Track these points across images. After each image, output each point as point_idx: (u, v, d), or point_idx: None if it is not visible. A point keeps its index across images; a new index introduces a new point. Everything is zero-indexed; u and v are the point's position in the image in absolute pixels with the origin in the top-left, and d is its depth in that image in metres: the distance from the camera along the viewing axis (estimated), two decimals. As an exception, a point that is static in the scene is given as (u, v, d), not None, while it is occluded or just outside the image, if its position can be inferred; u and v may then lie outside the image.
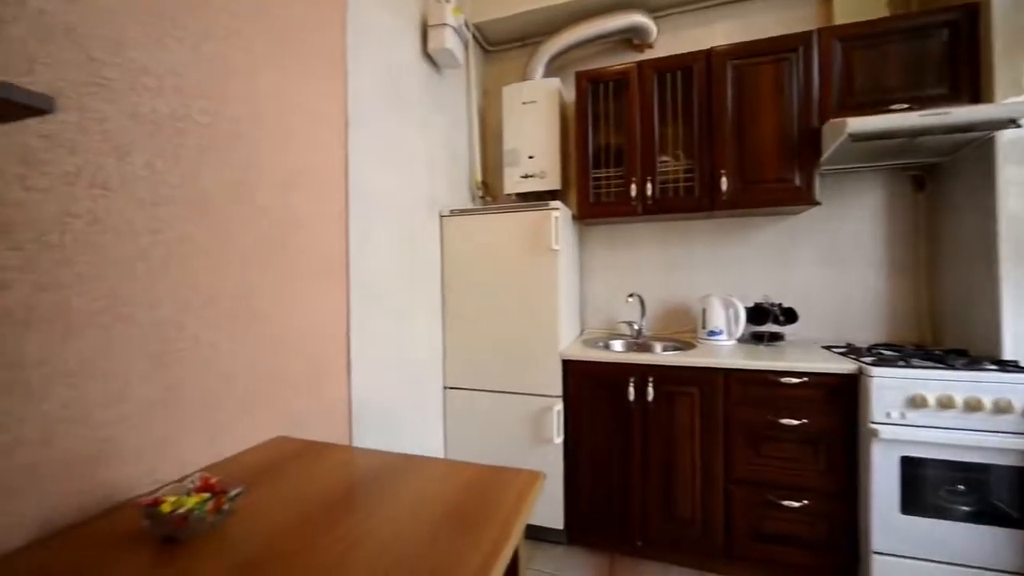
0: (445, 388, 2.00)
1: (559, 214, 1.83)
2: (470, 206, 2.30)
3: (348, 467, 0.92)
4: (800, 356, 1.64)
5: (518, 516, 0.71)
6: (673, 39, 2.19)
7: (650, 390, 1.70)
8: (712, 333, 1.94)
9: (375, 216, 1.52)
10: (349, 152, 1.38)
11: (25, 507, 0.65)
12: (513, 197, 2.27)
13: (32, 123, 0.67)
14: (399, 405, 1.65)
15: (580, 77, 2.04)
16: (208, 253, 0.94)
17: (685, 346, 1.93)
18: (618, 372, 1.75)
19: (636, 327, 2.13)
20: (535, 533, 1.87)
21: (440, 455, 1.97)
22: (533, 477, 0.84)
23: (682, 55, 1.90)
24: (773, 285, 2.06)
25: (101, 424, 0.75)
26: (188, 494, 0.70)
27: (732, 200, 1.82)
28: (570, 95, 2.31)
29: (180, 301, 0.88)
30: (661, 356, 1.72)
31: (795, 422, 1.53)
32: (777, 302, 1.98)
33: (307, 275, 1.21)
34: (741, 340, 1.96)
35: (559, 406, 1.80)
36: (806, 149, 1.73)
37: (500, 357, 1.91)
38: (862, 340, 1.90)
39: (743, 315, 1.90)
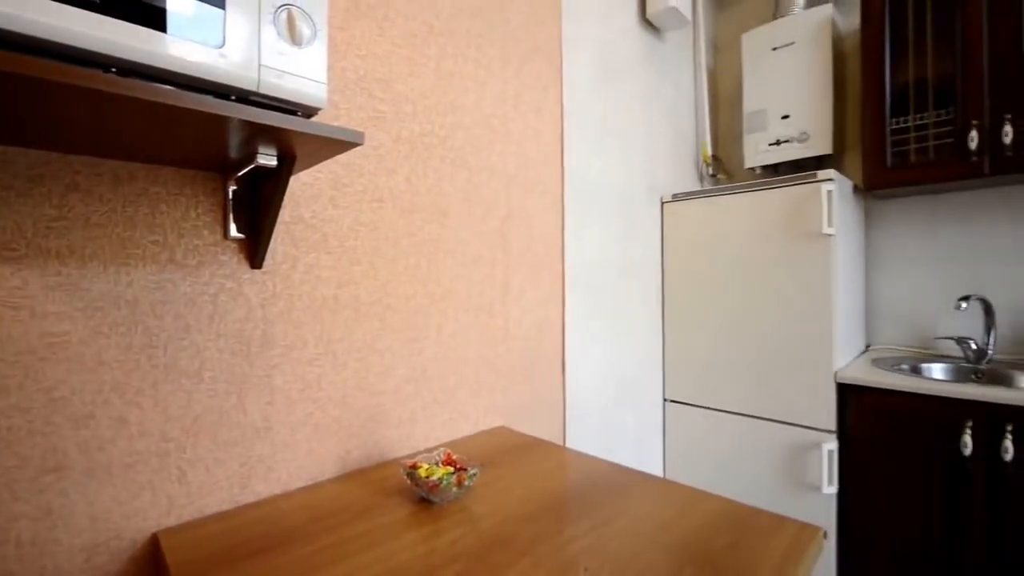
0: (665, 400, 1.87)
1: (833, 186, 1.45)
2: (698, 188, 2.09)
3: (570, 468, 0.95)
4: None
5: (791, 576, 0.58)
6: None
7: (1007, 446, 1.15)
8: None
9: (589, 207, 1.52)
10: (565, 141, 1.43)
11: (331, 448, 0.92)
12: (757, 171, 1.94)
13: (338, 155, 0.95)
14: (614, 412, 1.62)
15: (870, -9, 1.57)
16: (448, 251, 1.12)
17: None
18: (942, 411, 1.25)
19: (974, 346, 1.50)
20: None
21: (658, 475, 1.87)
22: (809, 532, 0.68)
23: None
24: None
25: (377, 392, 0.99)
26: (437, 464, 0.84)
27: None
28: (849, 24, 1.82)
29: (427, 295, 1.08)
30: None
31: None
32: None
33: (525, 270, 1.31)
34: None
35: (832, 445, 1.43)
36: None
37: (740, 372, 1.65)
38: None
39: None
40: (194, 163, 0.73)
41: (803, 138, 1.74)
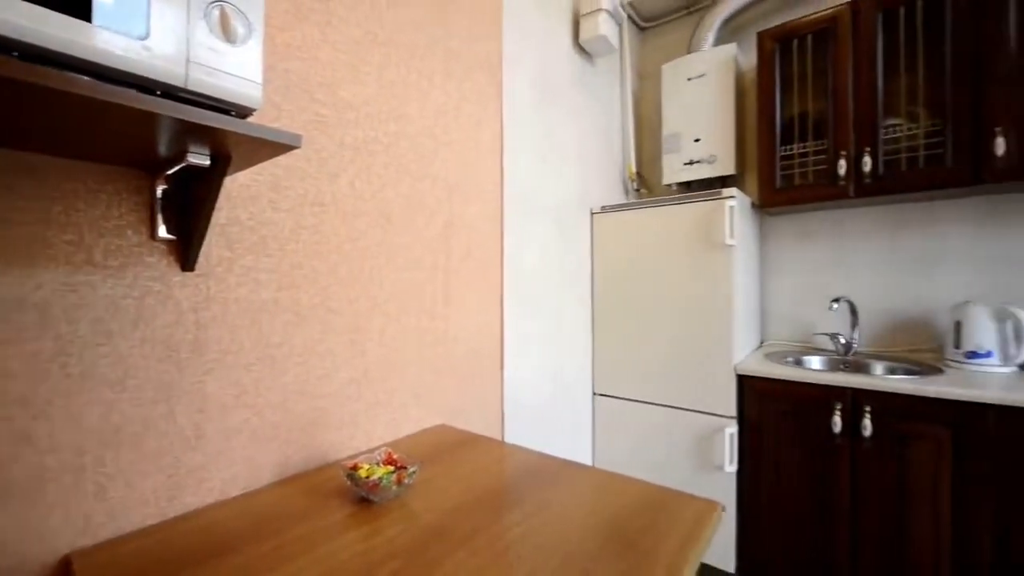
0: (594, 394, 1.97)
1: (735, 203, 1.62)
2: (623, 201, 2.22)
3: (506, 461, 0.98)
4: None
5: (694, 548, 0.66)
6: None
7: (867, 423, 1.35)
8: (974, 355, 1.44)
9: (527, 216, 1.59)
10: (504, 154, 1.48)
11: (270, 455, 0.89)
12: (673, 188, 2.10)
13: (278, 157, 0.91)
14: (548, 407, 1.69)
15: (763, 37, 1.76)
16: (391, 256, 1.12)
17: (926, 370, 1.48)
18: (818, 396, 1.44)
19: (843, 341, 1.73)
20: (700, 571, 1.69)
21: (587, 463, 1.95)
22: (710, 507, 0.77)
23: (924, -23, 1.46)
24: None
25: (319, 396, 0.96)
26: (378, 464, 0.84)
27: (1015, 167, 1.32)
28: (748, 62, 2.02)
29: (370, 298, 1.07)
30: (886, 380, 1.35)
31: None
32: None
33: (466, 275, 1.34)
34: (1030, 369, 1.41)
35: (732, 429, 1.59)
36: None
37: (658, 366, 1.78)
38: None
39: (1035, 332, 1.35)
40: (117, 159, 0.68)
41: (711, 159, 1.91)
